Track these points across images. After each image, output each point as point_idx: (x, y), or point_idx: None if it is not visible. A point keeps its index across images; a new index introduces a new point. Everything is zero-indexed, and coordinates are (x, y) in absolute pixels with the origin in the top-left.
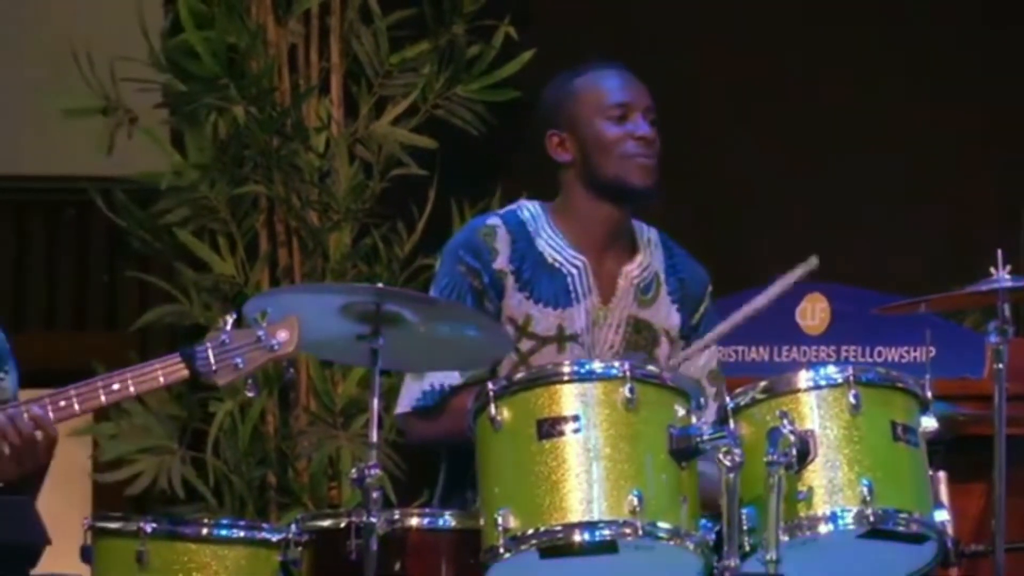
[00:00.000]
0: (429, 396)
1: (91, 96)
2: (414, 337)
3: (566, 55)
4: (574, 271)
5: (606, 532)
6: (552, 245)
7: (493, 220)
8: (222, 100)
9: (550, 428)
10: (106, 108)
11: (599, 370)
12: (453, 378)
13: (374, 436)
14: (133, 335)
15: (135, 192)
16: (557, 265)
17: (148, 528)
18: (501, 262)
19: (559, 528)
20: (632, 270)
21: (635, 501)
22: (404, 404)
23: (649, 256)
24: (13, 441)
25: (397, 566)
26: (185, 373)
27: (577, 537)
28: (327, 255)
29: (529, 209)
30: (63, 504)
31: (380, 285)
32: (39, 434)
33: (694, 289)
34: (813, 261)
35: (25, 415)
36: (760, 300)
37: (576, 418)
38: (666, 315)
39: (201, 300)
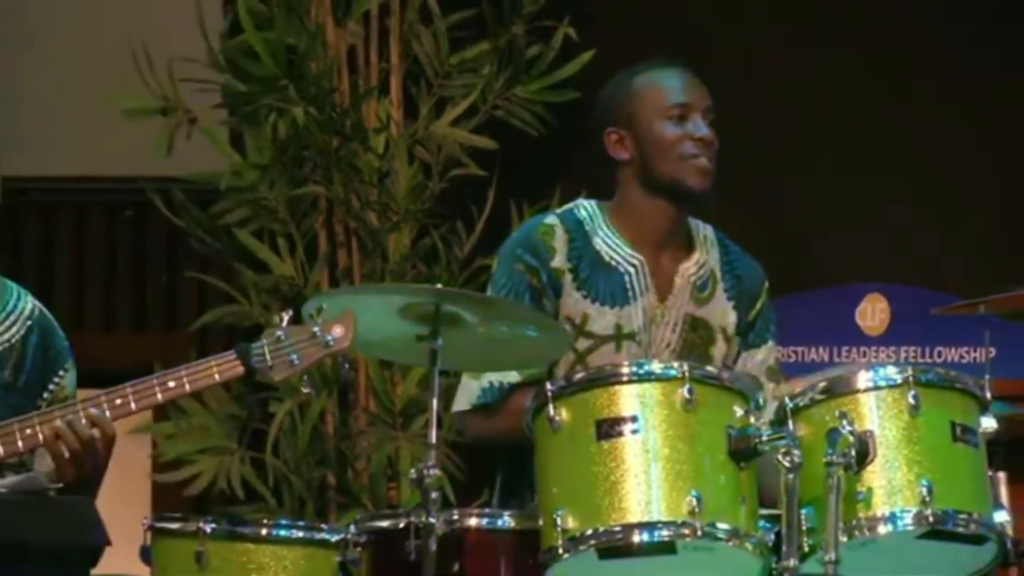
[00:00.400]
0: (488, 394)
1: (151, 97)
2: (473, 337)
3: (625, 56)
4: (631, 269)
5: (665, 533)
6: (609, 244)
7: (551, 219)
8: (281, 101)
9: (609, 429)
10: (166, 109)
11: (658, 371)
12: (511, 376)
13: (433, 436)
14: (192, 336)
15: (194, 193)
16: (614, 264)
17: (207, 528)
18: (559, 261)
19: (618, 529)
20: (689, 268)
21: (694, 502)
22: (462, 402)
23: (705, 254)
24: (72, 445)
25: (456, 567)
26: (241, 370)
27: (636, 538)
28: (386, 256)
29: (586, 208)
30: (122, 504)
31: (439, 286)
32: (97, 433)
33: (750, 286)
34: None
35: (83, 417)
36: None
37: (635, 419)
38: (722, 313)
39: (260, 301)
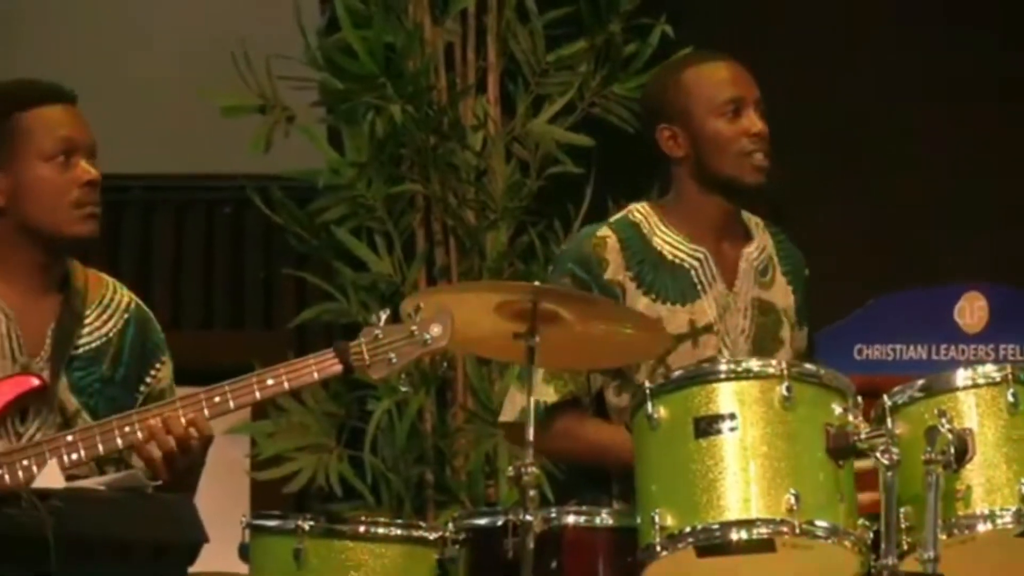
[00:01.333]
0: (526, 414)
1: (249, 95)
2: (570, 335)
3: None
4: (696, 263)
5: (763, 530)
6: (669, 242)
7: (603, 230)
8: (379, 99)
9: (707, 426)
10: (264, 106)
11: (756, 368)
12: (549, 394)
13: (531, 434)
14: (290, 334)
15: (292, 190)
16: (678, 261)
17: (306, 526)
18: (613, 272)
19: (716, 526)
20: (751, 252)
21: (792, 500)
22: (507, 413)
23: (762, 240)
24: (166, 446)
25: (553, 564)
26: (339, 368)
27: (734, 535)
28: (484, 254)
29: (640, 211)
30: (221, 502)
31: (537, 283)
32: (193, 432)
33: (800, 271)
34: None
35: (181, 417)
36: None
37: (733, 416)
38: (784, 296)
39: (358, 299)
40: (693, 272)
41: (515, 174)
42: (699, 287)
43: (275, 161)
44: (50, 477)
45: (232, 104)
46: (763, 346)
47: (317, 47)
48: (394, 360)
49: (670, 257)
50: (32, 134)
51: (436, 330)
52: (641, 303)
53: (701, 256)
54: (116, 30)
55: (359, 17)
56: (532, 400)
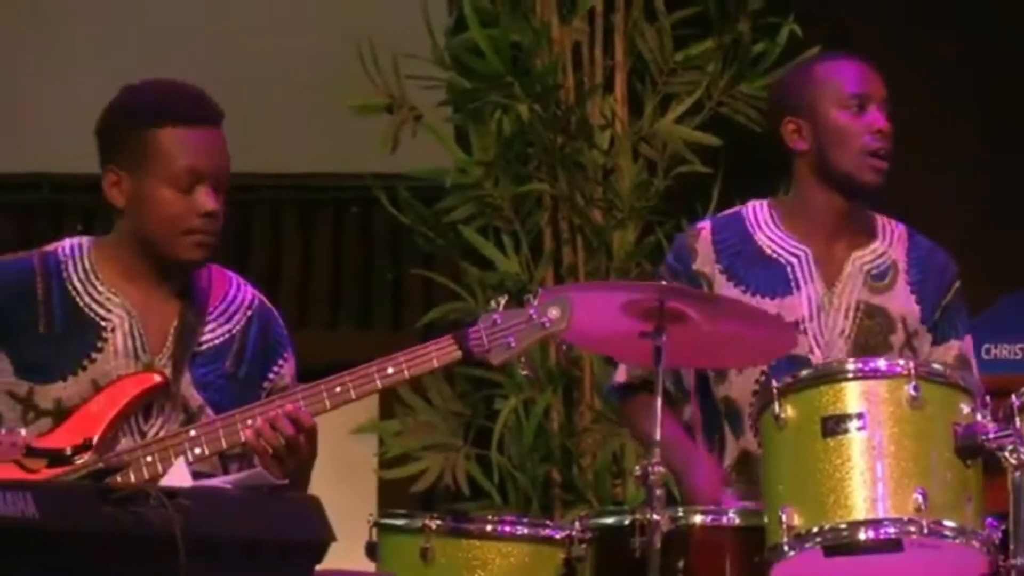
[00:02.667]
0: (613, 393)
1: (377, 94)
2: (697, 334)
3: (850, 53)
4: (793, 260)
5: (891, 530)
6: (772, 238)
7: (702, 224)
8: (506, 98)
9: (834, 426)
10: (391, 106)
11: (883, 368)
12: (620, 375)
13: (658, 433)
14: (417, 333)
15: (419, 189)
16: (775, 256)
17: (433, 525)
18: (701, 263)
19: (844, 526)
20: (864, 256)
21: (920, 499)
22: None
23: (887, 245)
24: (273, 443)
25: (680, 564)
26: (458, 354)
27: (862, 535)
28: (611, 253)
29: (753, 208)
30: (349, 501)
31: (664, 283)
32: (297, 428)
33: (938, 283)
34: None
35: (283, 415)
36: None
37: (861, 416)
38: (903, 303)
39: (486, 298)
40: (788, 268)
41: (642, 173)
42: (792, 283)
43: (402, 160)
44: (178, 476)
45: (360, 103)
46: (866, 349)
47: (445, 46)
48: (513, 344)
49: (768, 252)
50: (163, 155)
51: (554, 313)
52: (730, 294)
53: (801, 254)
54: (245, 30)
55: (487, 16)
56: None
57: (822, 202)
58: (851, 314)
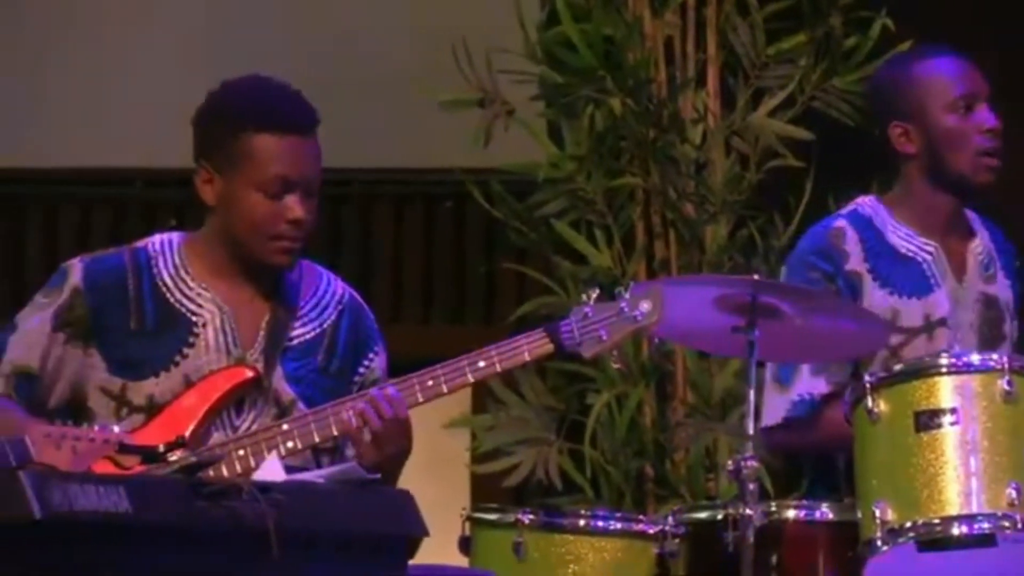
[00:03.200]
0: (800, 407)
1: (468, 88)
2: (790, 329)
3: (944, 46)
4: (928, 257)
5: (985, 525)
6: (901, 236)
7: (839, 222)
8: (599, 92)
9: (928, 420)
10: (483, 100)
11: (976, 362)
12: (819, 386)
13: (751, 427)
14: (509, 327)
15: (512, 184)
16: (911, 255)
17: (525, 519)
18: (853, 263)
19: (937, 521)
20: (976, 247)
21: (1013, 494)
22: (771, 416)
23: (981, 236)
24: (374, 426)
25: (774, 559)
26: (550, 348)
27: (955, 530)
28: (703, 247)
29: (869, 205)
30: (441, 495)
31: (756, 277)
32: (396, 414)
33: (1013, 263)
34: None
35: (383, 399)
36: None
37: (954, 411)
38: (1004, 290)
39: (578, 292)
40: (925, 266)
41: (735, 167)
42: (932, 281)
43: (494, 155)
44: (271, 470)
45: (452, 98)
46: (989, 340)
47: (537, 41)
48: (605, 338)
49: (903, 250)
50: (255, 160)
51: (646, 306)
52: (877, 295)
53: (932, 250)
54: (336, 26)
55: (579, 10)
56: (795, 395)
57: (935, 202)
58: (976, 306)
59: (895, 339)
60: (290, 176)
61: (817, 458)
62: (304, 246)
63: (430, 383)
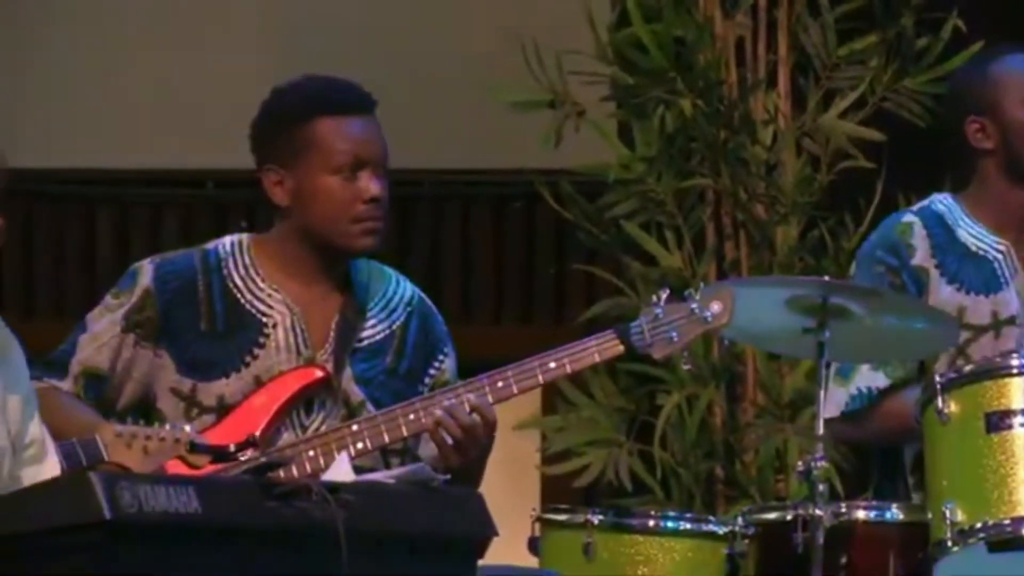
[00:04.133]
0: (857, 400)
1: (539, 89)
2: (860, 329)
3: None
4: (999, 255)
5: None
6: (972, 234)
7: (908, 217)
8: (669, 93)
9: (999, 421)
10: (554, 101)
11: None
12: (879, 380)
13: (821, 428)
14: (579, 328)
15: (582, 185)
16: (981, 252)
17: (595, 520)
18: (920, 258)
19: (1008, 522)
20: None
21: None
22: (831, 409)
23: None
24: (454, 433)
25: (843, 559)
26: (620, 349)
27: None
28: (774, 248)
29: (943, 202)
30: (511, 496)
31: (826, 278)
32: (478, 419)
33: None
34: None
35: (464, 404)
36: None
37: None
38: None
39: (648, 293)
40: (996, 264)
41: (805, 168)
42: (1001, 279)
43: (565, 156)
44: (340, 471)
45: (523, 99)
46: None
47: (607, 42)
48: (675, 338)
49: (974, 248)
50: (322, 144)
51: (716, 307)
52: (944, 291)
53: (1004, 248)
54: (408, 27)
55: (650, 11)
56: (853, 388)
57: (1012, 197)
58: None
59: (962, 336)
60: (360, 153)
61: (884, 458)
62: (383, 228)
63: (500, 384)
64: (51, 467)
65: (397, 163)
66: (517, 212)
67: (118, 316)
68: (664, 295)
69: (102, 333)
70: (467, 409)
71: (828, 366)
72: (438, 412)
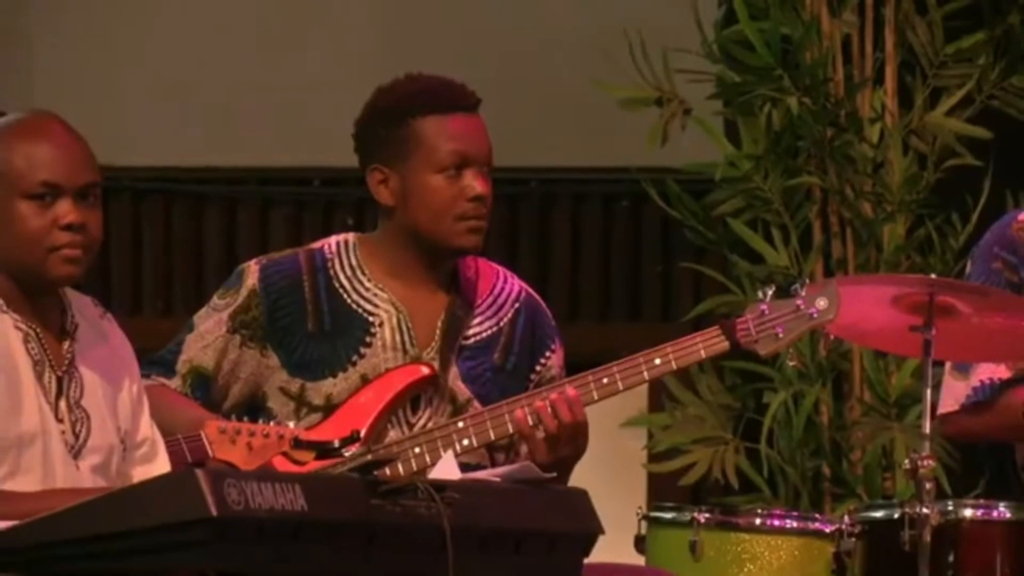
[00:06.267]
0: (980, 393)
1: (645, 87)
2: (967, 328)
3: None
4: None
5: None
6: None
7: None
8: (776, 91)
9: None
10: (660, 99)
11: None
12: (1001, 371)
13: (927, 426)
14: (686, 326)
15: (688, 183)
16: None
17: (701, 518)
18: None
19: None
20: None
21: None
22: (949, 403)
23: None
24: (549, 428)
25: (951, 558)
26: (725, 345)
27: None
28: (880, 246)
29: None
30: (618, 494)
31: (933, 276)
32: (575, 417)
33: None
34: None
35: (563, 401)
36: None
37: None
38: None
39: (755, 291)
40: None
41: (912, 166)
42: None
43: (671, 154)
44: (446, 468)
45: (629, 97)
46: None
47: (714, 40)
48: (781, 335)
49: None
50: (427, 143)
51: (822, 303)
52: None
53: None
54: (514, 26)
55: (756, 9)
56: (976, 381)
57: None
58: None
59: None
60: (465, 151)
61: (995, 456)
62: (487, 227)
63: (606, 381)
64: (161, 466)
65: (505, 161)
66: (624, 210)
67: (224, 316)
68: (770, 291)
69: (208, 333)
70: (564, 405)
71: (938, 363)
72: (538, 403)
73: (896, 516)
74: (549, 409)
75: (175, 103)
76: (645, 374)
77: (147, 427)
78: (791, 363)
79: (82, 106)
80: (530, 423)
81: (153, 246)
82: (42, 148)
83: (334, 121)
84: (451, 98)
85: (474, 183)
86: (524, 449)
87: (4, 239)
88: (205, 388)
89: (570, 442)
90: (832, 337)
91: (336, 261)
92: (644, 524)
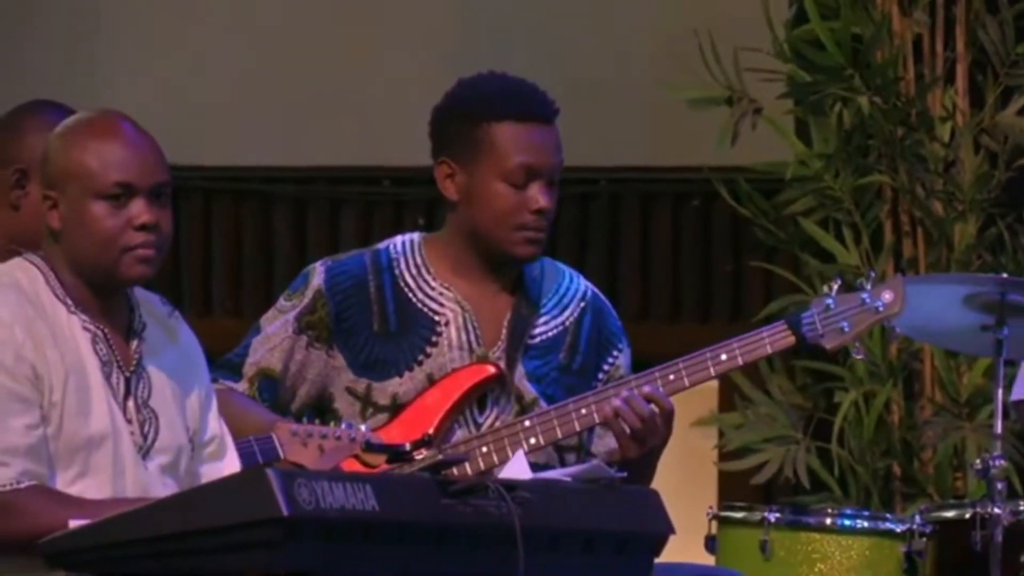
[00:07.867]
0: None
1: (716, 86)
2: None
3: None
4: None
5: None
6: None
7: None
8: (847, 90)
9: None
10: (730, 98)
11: None
12: None
13: (999, 426)
14: (757, 325)
15: (759, 182)
16: None
17: (772, 518)
18: None
19: None
20: None
21: None
22: (1020, 391)
23: None
24: (632, 423)
25: (1023, 558)
26: (792, 340)
27: None
28: (951, 245)
29: None
30: (689, 493)
31: (1005, 275)
32: (655, 409)
33: None
34: None
35: (638, 394)
36: None
37: None
38: None
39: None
40: None
41: (983, 165)
42: None
43: (742, 153)
44: (517, 468)
45: (699, 96)
46: None
47: (785, 39)
48: (847, 329)
49: None
50: (499, 150)
51: (888, 297)
52: None
53: None
54: (584, 24)
55: (827, 9)
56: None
57: None
58: None
59: None
60: (534, 164)
61: None
62: (545, 238)
63: (672, 377)
64: (230, 464)
65: (576, 160)
66: (694, 210)
67: (290, 318)
68: (835, 286)
69: (275, 335)
70: (642, 399)
71: (1008, 363)
72: (616, 402)
73: (967, 516)
74: (628, 408)
75: (245, 102)
76: (711, 370)
77: (215, 424)
78: (857, 355)
79: (152, 105)
80: (615, 418)
81: (223, 246)
82: (114, 148)
83: (404, 121)
84: (529, 106)
85: (539, 196)
86: (594, 448)
87: (77, 239)
88: (273, 390)
89: (655, 433)
90: (898, 329)
91: (401, 260)
92: (714, 524)
